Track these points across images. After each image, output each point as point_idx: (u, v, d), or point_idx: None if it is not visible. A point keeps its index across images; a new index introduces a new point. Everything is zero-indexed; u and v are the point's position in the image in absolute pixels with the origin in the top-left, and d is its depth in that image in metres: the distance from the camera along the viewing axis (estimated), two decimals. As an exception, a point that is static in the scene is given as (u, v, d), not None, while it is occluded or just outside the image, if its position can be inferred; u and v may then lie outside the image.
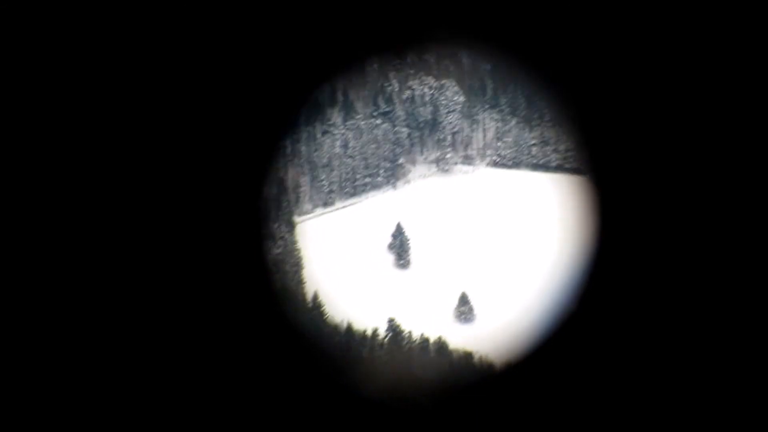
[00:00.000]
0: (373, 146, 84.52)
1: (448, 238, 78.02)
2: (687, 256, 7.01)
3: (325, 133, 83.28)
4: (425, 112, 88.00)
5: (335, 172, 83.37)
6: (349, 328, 64.94)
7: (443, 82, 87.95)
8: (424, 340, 64.60)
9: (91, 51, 6.88)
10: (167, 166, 7.02)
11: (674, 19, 6.97)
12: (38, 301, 6.92)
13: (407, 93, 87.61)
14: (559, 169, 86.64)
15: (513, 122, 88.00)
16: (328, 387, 7.56)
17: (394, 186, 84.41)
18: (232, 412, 7.18)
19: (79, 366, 7.02)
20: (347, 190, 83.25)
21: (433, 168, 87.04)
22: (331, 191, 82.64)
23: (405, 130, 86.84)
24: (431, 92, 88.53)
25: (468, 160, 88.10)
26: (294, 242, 74.69)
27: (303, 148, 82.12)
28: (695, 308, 7.06)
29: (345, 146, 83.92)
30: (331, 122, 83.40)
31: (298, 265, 73.28)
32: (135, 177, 7.00)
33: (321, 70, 7.24)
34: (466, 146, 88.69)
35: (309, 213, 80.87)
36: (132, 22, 6.95)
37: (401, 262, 76.17)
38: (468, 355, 61.60)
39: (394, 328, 65.31)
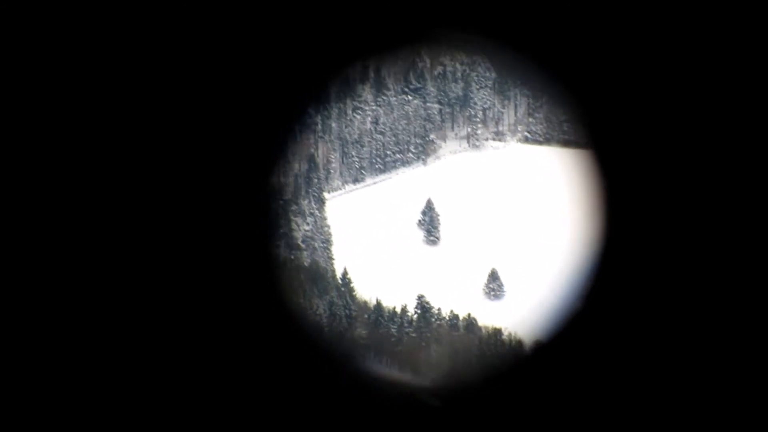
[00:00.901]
0: (404, 122, 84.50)
1: (478, 214, 77.98)
2: (698, 250, 6.84)
3: (356, 109, 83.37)
4: (456, 88, 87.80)
5: (366, 149, 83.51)
6: (379, 305, 65.25)
7: (475, 58, 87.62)
8: (454, 317, 64.76)
9: (98, 49, 6.93)
10: (171, 162, 7.08)
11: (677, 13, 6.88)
12: (40, 297, 7.00)
13: (438, 69, 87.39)
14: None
15: (544, 98, 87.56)
16: (334, 386, 7.57)
17: (425, 162, 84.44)
18: (237, 407, 7.25)
19: (82, 364, 7.11)
20: (378, 166, 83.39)
21: (464, 144, 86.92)
22: (361, 167, 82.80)
23: (436, 106, 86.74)
24: (463, 68, 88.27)
25: (499, 136, 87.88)
26: (324, 218, 75.02)
27: (334, 125, 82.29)
28: (706, 306, 6.93)
29: (376, 122, 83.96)
30: (362, 98, 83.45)
31: (327, 242, 73.62)
32: (141, 170, 7.07)
33: (325, 66, 7.23)
34: (497, 122, 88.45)
35: (339, 189, 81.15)
36: (135, 20, 7.00)
37: (431, 238, 76.29)
38: (497, 332, 61.70)
39: (423, 305, 65.48)
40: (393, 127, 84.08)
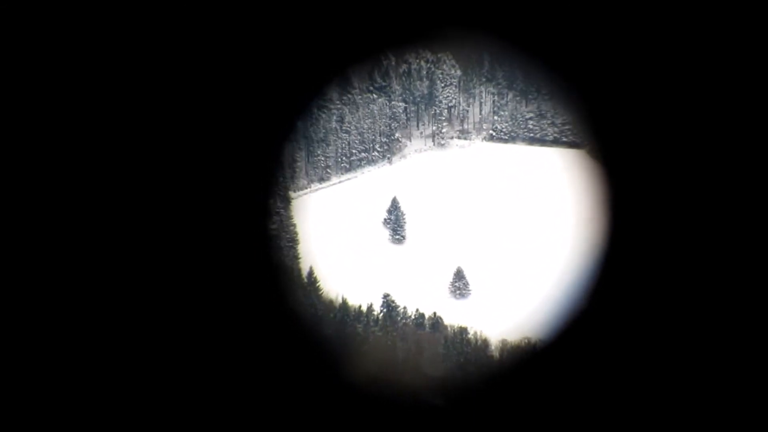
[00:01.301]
0: (369, 121, 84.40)
1: (444, 213, 78.06)
2: (703, 251, 6.78)
3: (321, 107, 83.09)
4: (422, 86, 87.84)
5: (331, 147, 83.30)
6: (344, 304, 65.11)
7: (440, 55, 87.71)
8: (419, 316, 64.75)
9: (100, 49, 6.91)
10: (172, 163, 7.08)
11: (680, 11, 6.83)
12: (41, 298, 6.99)
13: (403, 67, 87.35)
14: (555, 142, 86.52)
15: (509, 96, 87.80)
16: (335, 384, 7.59)
17: (390, 161, 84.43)
18: (231, 399, 7.24)
19: (82, 363, 7.10)
20: (343, 165, 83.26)
21: (429, 142, 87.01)
22: (327, 166, 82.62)
23: (401, 105, 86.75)
24: (428, 66, 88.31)
25: (464, 134, 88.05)
26: (289, 218, 74.74)
27: (299, 123, 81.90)
28: (711, 307, 6.88)
29: (341, 121, 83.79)
30: (327, 97, 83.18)
31: (293, 241, 73.36)
32: (141, 164, 7.07)
33: (326, 67, 7.26)
34: (462, 120, 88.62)
35: (305, 188, 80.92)
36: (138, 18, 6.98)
37: (396, 237, 76.24)
38: (462, 330, 61.76)
39: (389, 304, 65.43)
40: (358, 125, 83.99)
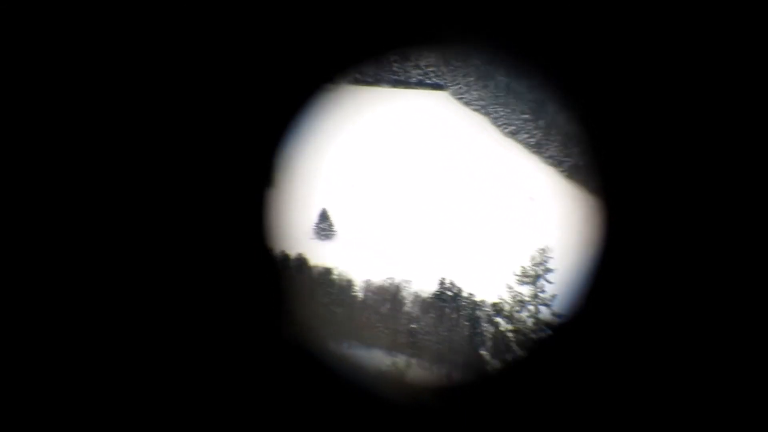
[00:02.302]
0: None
1: (309, 154, 78.29)
2: (695, 260, 6.83)
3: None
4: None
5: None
6: (211, 247, 64.79)
7: None
8: (285, 257, 65.10)
9: (101, 47, 7.05)
10: (169, 161, 7.18)
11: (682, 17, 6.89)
12: (36, 297, 7.11)
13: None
14: (419, 84, 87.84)
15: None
16: (333, 387, 7.70)
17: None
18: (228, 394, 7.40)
19: (77, 364, 7.26)
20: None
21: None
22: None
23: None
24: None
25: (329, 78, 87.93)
26: (154, 160, 73.45)
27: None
28: (705, 310, 6.96)
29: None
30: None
31: (158, 184, 72.18)
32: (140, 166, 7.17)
33: (325, 69, 7.38)
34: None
35: (169, 130, 79.60)
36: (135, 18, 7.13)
37: (262, 179, 76.14)
38: (328, 271, 62.39)
39: (254, 246, 65.58)
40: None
